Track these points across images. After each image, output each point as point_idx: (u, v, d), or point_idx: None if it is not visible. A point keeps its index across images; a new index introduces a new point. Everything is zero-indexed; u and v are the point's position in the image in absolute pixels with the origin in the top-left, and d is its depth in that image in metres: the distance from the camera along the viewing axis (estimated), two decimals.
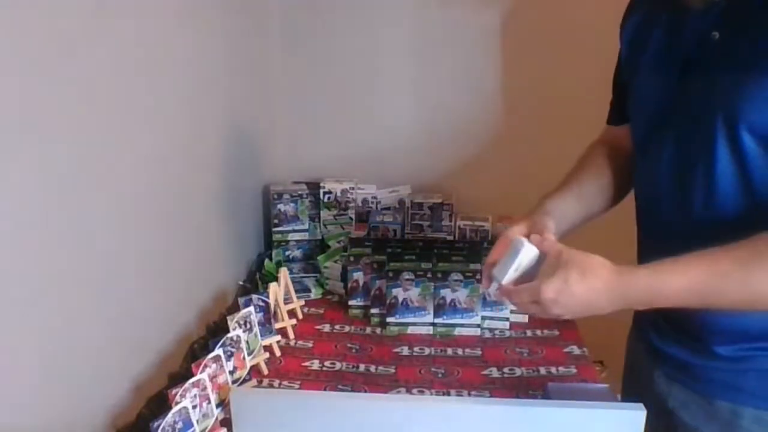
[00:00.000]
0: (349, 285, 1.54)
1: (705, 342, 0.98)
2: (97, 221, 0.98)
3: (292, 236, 1.74)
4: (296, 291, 1.52)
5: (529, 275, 0.96)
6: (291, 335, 1.42)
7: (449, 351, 1.40)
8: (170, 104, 1.21)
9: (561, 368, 1.32)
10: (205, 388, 1.04)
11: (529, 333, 1.46)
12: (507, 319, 1.47)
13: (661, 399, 1.05)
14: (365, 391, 1.24)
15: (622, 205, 1.16)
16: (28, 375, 0.84)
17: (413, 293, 1.46)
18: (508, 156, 1.84)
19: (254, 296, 1.31)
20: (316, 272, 1.67)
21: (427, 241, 1.64)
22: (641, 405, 0.91)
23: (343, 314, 1.54)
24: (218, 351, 1.10)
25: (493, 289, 1.04)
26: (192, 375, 1.03)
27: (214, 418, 1.05)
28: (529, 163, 1.80)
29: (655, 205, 1.02)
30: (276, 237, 1.73)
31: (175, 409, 0.95)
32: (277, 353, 1.35)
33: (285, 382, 1.27)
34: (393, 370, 1.32)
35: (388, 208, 1.85)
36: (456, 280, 1.45)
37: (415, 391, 1.25)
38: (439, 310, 1.46)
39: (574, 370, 1.31)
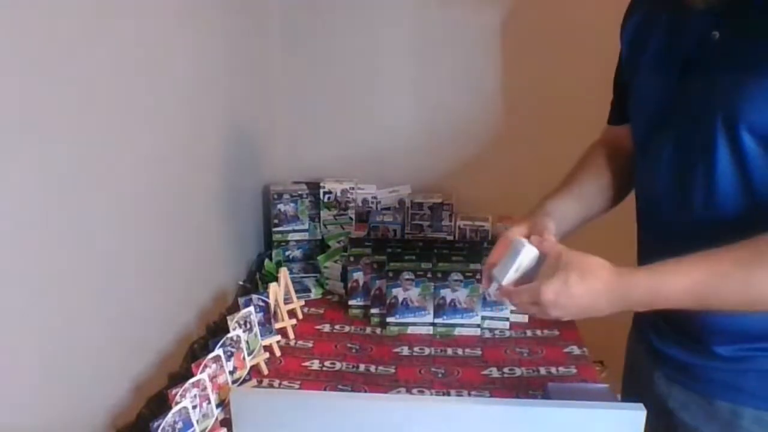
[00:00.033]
0: (349, 285, 1.54)
1: (705, 342, 0.98)
2: (97, 221, 0.98)
3: (292, 236, 1.74)
4: (296, 291, 1.52)
5: (530, 276, 0.96)
6: (291, 335, 1.42)
7: (449, 351, 1.40)
8: (170, 104, 1.21)
9: (561, 368, 1.32)
10: (205, 388, 1.04)
11: (529, 333, 1.46)
12: (507, 319, 1.47)
13: (661, 399, 1.05)
14: (365, 391, 1.24)
15: (622, 206, 1.16)
16: (28, 375, 0.84)
17: (413, 293, 1.46)
18: (508, 156, 1.84)
19: (254, 296, 1.31)
20: (316, 272, 1.67)
21: (427, 241, 1.64)
22: (641, 405, 0.91)
23: (343, 314, 1.54)
24: (218, 351, 1.10)
25: (493, 290, 1.04)
26: (192, 375, 1.03)
27: (214, 418, 1.05)
28: (529, 163, 1.80)
29: (655, 205, 1.02)
30: (276, 237, 1.73)
31: (175, 409, 0.95)
32: (277, 353, 1.35)
33: (285, 382, 1.27)
34: (393, 370, 1.32)
35: (388, 208, 1.85)
36: (456, 280, 1.45)
37: (415, 391, 1.25)
38: (439, 310, 1.46)
39: (574, 370, 1.31)
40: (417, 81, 1.86)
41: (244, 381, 1.18)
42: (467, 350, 1.40)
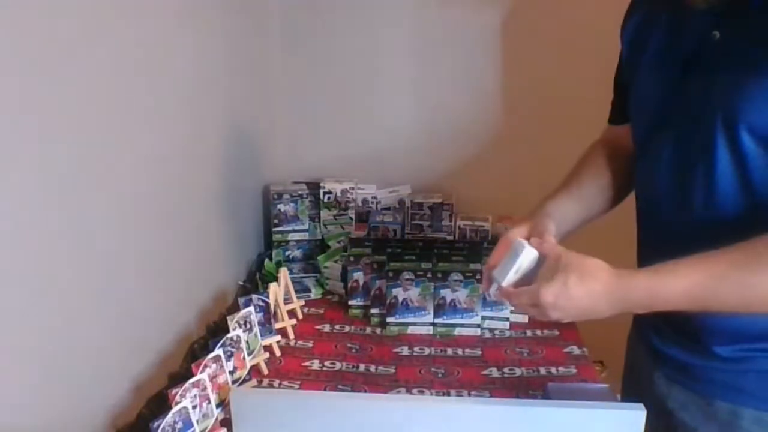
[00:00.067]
0: (349, 285, 1.54)
1: (705, 343, 0.98)
2: (97, 221, 0.98)
3: (292, 236, 1.74)
4: (296, 291, 1.52)
5: (529, 277, 0.96)
6: (291, 335, 1.42)
7: (449, 351, 1.40)
8: (170, 104, 1.21)
9: (561, 368, 1.32)
10: (205, 388, 1.04)
11: (529, 333, 1.46)
12: (507, 319, 1.47)
13: (661, 400, 1.05)
14: (365, 391, 1.24)
15: (622, 206, 1.16)
16: (28, 375, 0.84)
17: (413, 293, 1.46)
18: (508, 156, 1.84)
19: (254, 296, 1.31)
20: (316, 272, 1.67)
21: (427, 241, 1.64)
22: (641, 405, 0.91)
23: (343, 314, 1.54)
24: (218, 351, 1.10)
25: (493, 291, 1.04)
26: (192, 375, 1.03)
27: (214, 418, 1.05)
28: (529, 163, 1.80)
29: (655, 205, 1.02)
30: (276, 237, 1.73)
31: (175, 409, 0.95)
32: (277, 353, 1.35)
33: (285, 382, 1.27)
34: (393, 370, 1.32)
35: (388, 208, 1.85)
36: (456, 280, 1.45)
37: (415, 391, 1.25)
38: (439, 310, 1.46)
39: (574, 370, 1.31)
40: (417, 81, 1.86)
41: (244, 381, 1.18)
42: (467, 350, 1.40)
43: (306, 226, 1.74)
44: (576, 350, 1.38)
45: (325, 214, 1.81)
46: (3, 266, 0.78)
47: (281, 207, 1.72)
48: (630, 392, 1.18)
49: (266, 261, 1.67)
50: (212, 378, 1.07)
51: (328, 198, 1.80)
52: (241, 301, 1.30)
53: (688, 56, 0.93)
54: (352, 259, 1.54)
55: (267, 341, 1.32)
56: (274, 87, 1.86)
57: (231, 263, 1.61)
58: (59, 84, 0.86)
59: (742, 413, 0.95)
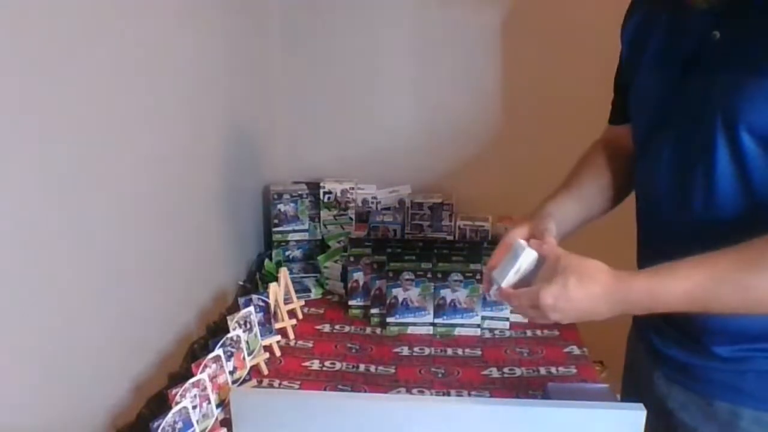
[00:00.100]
0: (349, 285, 1.54)
1: (704, 343, 0.97)
2: (97, 221, 0.98)
3: (292, 236, 1.74)
4: (296, 291, 1.52)
5: (529, 279, 0.96)
6: (291, 335, 1.42)
7: (449, 351, 1.40)
8: (170, 104, 1.21)
9: (561, 368, 1.32)
10: (205, 388, 1.04)
11: (529, 333, 1.46)
12: (507, 319, 1.47)
13: (661, 400, 1.05)
14: (365, 391, 1.24)
15: (622, 206, 1.16)
16: (28, 375, 0.84)
17: (413, 293, 1.46)
18: (508, 156, 1.84)
19: (254, 296, 1.31)
20: (316, 272, 1.67)
21: (427, 241, 1.64)
22: (641, 405, 0.91)
23: (343, 314, 1.54)
24: (218, 351, 1.10)
25: (493, 292, 1.04)
26: (192, 375, 1.03)
27: (214, 418, 1.05)
28: (529, 163, 1.80)
29: (655, 205, 1.02)
30: (276, 237, 1.73)
31: (175, 409, 0.95)
32: (277, 353, 1.35)
33: (285, 382, 1.27)
34: (393, 370, 1.32)
35: (388, 208, 1.85)
36: (456, 280, 1.45)
37: (415, 391, 1.25)
38: (439, 310, 1.46)
39: (574, 370, 1.31)
40: (417, 81, 1.86)
41: (244, 381, 1.18)
42: (467, 350, 1.40)
43: (306, 226, 1.74)
44: (576, 350, 1.38)
45: (325, 214, 1.81)
46: (3, 266, 0.78)
47: (281, 207, 1.72)
48: (630, 392, 1.18)
49: (266, 261, 1.67)
50: (212, 378, 1.07)
51: (328, 198, 1.80)
52: (241, 301, 1.30)
53: (688, 56, 0.93)
54: (352, 259, 1.54)
55: (267, 341, 1.32)
56: (274, 87, 1.86)
57: (231, 263, 1.61)
58: (59, 84, 0.86)
59: (741, 413, 0.95)
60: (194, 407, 1.00)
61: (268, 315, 1.33)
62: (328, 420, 0.95)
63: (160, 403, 1.06)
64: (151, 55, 1.12)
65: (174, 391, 0.98)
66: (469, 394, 1.23)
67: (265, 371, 1.28)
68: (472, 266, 1.45)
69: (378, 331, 1.48)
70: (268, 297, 1.34)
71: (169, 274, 1.24)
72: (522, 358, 1.36)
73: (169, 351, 1.23)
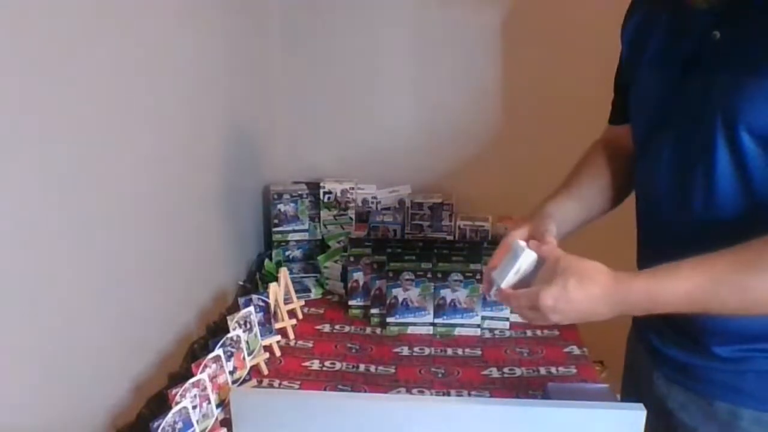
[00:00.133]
0: (349, 285, 1.54)
1: (704, 343, 0.98)
2: (97, 221, 0.98)
3: (292, 236, 1.74)
4: (296, 291, 1.52)
5: (528, 280, 0.96)
6: (291, 335, 1.42)
7: (449, 351, 1.40)
8: (170, 104, 1.21)
9: (561, 368, 1.32)
10: (205, 388, 1.04)
11: (529, 333, 1.46)
12: (507, 319, 1.47)
13: (661, 400, 1.05)
14: (365, 391, 1.24)
15: (622, 207, 1.16)
16: (28, 375, 0.84)
17: (413, 293, 1.46)
18: (508, 156, 1.84)
19: (254, 296, 1.31)
20: (316, 272, 1.67)
21: (427, 241, 1.64)
22: (641, 405, 0.91)
23: (343, 314, 1.54)
24: (218, 351, 1.10)
25: (494, 293, 1.04)
26: (192, 375, 1.03)
27: (214, 418, 1.05)
28: (529, 163, 1.80)
29: (655, 205, 1.01)
30: (276, 237, 1.73)
31: (175, 409, 0.95)
32: (277, 353, 1.35)
33: (285, 382, 1.27)
34: (393, 370, 1.32)
35: (388, 208, 1.85)
36: (456, 280, 1.45)
37: (415, 391, 1.25)
38: (439, 310, 1.46)
39: (574, 370, 1.31)
40: (417, 81, 1.86)
41: (244, 381, 1.18)
42: (467, 350, 1.40)
43: (306, 226, 1.74)
44: (576, 350, 1.38)
45: (325, 214, 1.81)
46: (3, 266, 0.78)
47: (281, 207, 1.72)
48: (630, 392, 1.18)
49: (266, 261, 1.67)
50: (212, 378, 1.07)
51: (328, 198, 1.80)
52: (241, 301, 1.30)
53: (688, 56, 0.93)
54: (352, 259, 1.54)
55: (267, 341, 1.32)
56: (274, 87, 1.86)
57: (231, 263, 1.61)
58: (59, 84, 0.86)
59: (741, 413, 0.95)
60: (194, 407, 1.00)
61: (268, 315, 1.33)
62: (328, 420, 0.95)
63: (160, 403, 1.06)
64: (151, 55, 1.12)
65: (174, 391, 0.98)
66: (469, 394, 1.23)
67: (265, 371, 1.28)
68: (472, 266, 1.45)
69: (378, 331, 1.48)
70: (268, 297, 1.34)
71: (169, 274, 1.24)
72: (522, 358, 1.36)
73: (169, 351, 1.23)
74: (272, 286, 1.38)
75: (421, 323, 1.46)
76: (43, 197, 0.85)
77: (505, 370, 1.32)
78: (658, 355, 1.06)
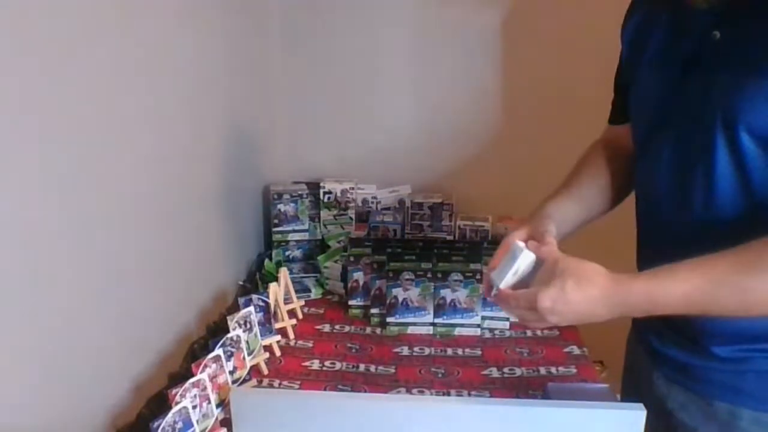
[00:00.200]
0: (349, 285, 1.54)
1: (703, 343, 0.97)
2: (97, 221, 0.98)
3: (292, 236, 1.74)
4: (296, 291, 1.52)
5: (528, 281, 0.96)
6: (291, 335, 1.42)
7: (449, 351, 1.40)
8: (170, 104, 1.21)
9: (561, 368, 1.32)
10: (205, 388, 1.04)
11: (529, 333, 1.46)
12: (507, 319, 1.47)
13: (661, 400, 1.05)
14: (365, 391, 1.24)
15: (622, 207, 1.16)
16: (28, 375, 0.84)
17: (413, 293, 1.46)
18: (508, 156, 1.84)
19: (254, 296, 1.31)
20: (316, 272, 1.67)
21: (427, 241, 1.64)
22: (641, 405, 0.91)
23: (343, 314, 1.54)
24: (218, 351, 1.10)
25: (493, 295, 1.03)
26: (192, 375, 1.03)
27: (214, 418, 1.05)
28: (529, 163, 1.80)
29: (655, 205, 1.01)
30: (276, 237, 1.73)
31: (175, 409, 0.95)
32: (277, 353, 1.35)
33: (285, 382, 1.27)
34: (393, 370, 1.32)
35: (388, 208, 1.85)
36: (456, 280, 1.45)
37: (415, 391, 1.25)
38: (439, 310, 1.46)
39: (574, 370, 1.31)
40: (417, 81, 1.86)
41: (244, 381, 1.18)
42: (467, 350, 1.40)
43: (306, 226, 1.74)
44: (576, 350, 1.38)
45: (325, 214, 1.81)
46: (3, 266, 0.78)
47: (281, 207, 1.72)
48: (629, 392, 1.18)
49: (266, 261, 1.67)
50: (212, 378, 1.07)
51: (328, 198, 1.80)
52: (241, 301, 1.30)
53: (688, 56, 0.93)
54: (352, 259, 1.54)
55: (267, 341, 1.32)
56: (274, 87, 1.86)
57: (231, 263, 1.61)
58: (59, 84, 0.86)
59: (741, 414, 0.95)
60: (194, 407, 1.00)
61: (268, 315, 1.33)
62: (328, 420, 0.95)
63: (160, 403, 1.06)
64: (151, 55, 1.12)
65: (174, 391, 0.98)
66: (469, 394, 1.23)
67: (265, 371, 1.28)
68: (472, 266, 1.45)
69: (378, 331, 1.48)
70: (268, 297, 1.34)
71: (169, 274, 1.24)
72: (522, 358, 1.36)
73: (169, 351, 1.23)
74: (272, 286, 1.38)
75: (421, 323, 1.46)
76: (43, 197, 0.85)
77: (505, 370, 1.32)
78: (657, 355, 1.06)
